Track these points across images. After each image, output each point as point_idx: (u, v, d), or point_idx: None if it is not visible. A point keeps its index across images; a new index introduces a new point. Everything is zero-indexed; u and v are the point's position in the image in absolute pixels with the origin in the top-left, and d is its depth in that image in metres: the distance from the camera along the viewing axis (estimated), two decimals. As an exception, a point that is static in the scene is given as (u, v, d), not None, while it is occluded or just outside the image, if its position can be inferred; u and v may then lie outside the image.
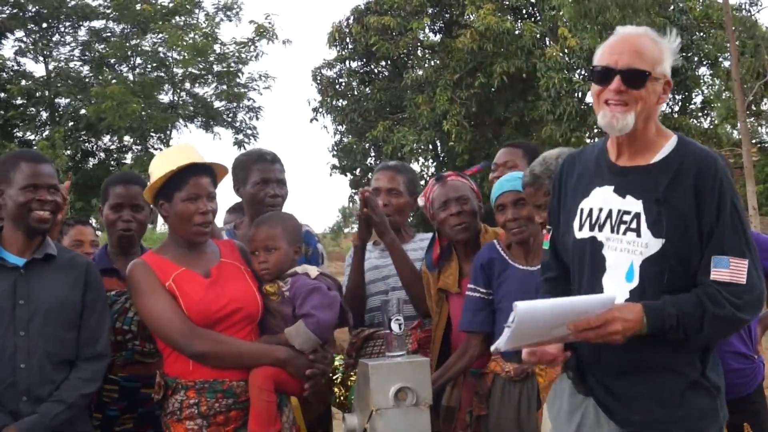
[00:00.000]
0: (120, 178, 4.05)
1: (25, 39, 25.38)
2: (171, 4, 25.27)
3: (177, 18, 25.29)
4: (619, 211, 2.79)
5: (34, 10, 24.84)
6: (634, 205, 2.77)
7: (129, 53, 25.15)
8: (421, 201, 4.25)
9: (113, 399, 3.73)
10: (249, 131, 26.09)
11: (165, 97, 25.45)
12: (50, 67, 25.58)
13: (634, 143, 2.81)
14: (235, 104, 25.94)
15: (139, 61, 25.16)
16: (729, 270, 2.66)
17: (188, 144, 3.71)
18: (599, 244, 2.81)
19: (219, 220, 5.47)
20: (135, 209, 3.90)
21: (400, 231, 4.42)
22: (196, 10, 25.89)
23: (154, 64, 24.95)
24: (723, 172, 2.70)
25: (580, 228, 2.88)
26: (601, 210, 2.83)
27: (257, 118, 26.41)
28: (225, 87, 25.56)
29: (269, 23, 25.40)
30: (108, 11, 25.64)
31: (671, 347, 2.69)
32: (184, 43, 23.92)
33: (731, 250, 2.67)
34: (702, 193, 2.68)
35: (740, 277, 2.65)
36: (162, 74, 25.11)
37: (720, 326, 2.68)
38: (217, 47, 25.29)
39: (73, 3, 25.10)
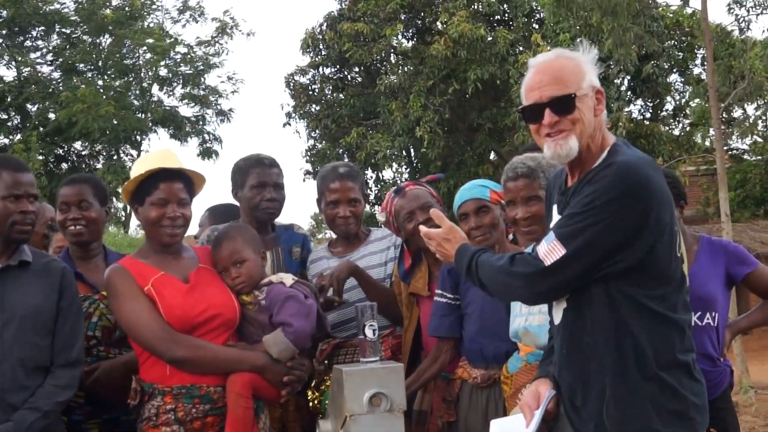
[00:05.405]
0: (66, 180, 4.02)
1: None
2: (128, 10, 25.21)
3: (138, 24, 25.28)
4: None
5: (6, 15, 24.61)
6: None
7: (96, 59, 25.01)
8: (382, 216, 4.23)
9: (79, 404, 3.71)
10: (214, 137, 26.02)
11: (135, 102, 25.31)
12: (23, 72, 25.35)
13: (580, 163, 2.82)
14: (203, 110, 25.86)
15: (107, 64, 25.01)
16: (547, 247, 2.67)
17: (168, 149, 3.73)
18: None
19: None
20: (82, 207, 3.88)
21: (357, 235, 4.41)
22: (158, 13, 25.98)
23: (120, 70, 24.82)
24: (616, 179, 2.63)
25: None
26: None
27: (228, 121, 26.32)
28: (192, 90, 25.46)
29: (231, 18, 25.63)
30: (75, 18, 25.52)
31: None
32: (146, 46, 23.96)
33: (558, 231, 2.67)
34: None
35: (548, 258, 2.65)
36: (130, 79, 25.04)
37: (497, 278, 2.80)
38: (180, 48, 25.31)
39: (45, 8, 24.91)
